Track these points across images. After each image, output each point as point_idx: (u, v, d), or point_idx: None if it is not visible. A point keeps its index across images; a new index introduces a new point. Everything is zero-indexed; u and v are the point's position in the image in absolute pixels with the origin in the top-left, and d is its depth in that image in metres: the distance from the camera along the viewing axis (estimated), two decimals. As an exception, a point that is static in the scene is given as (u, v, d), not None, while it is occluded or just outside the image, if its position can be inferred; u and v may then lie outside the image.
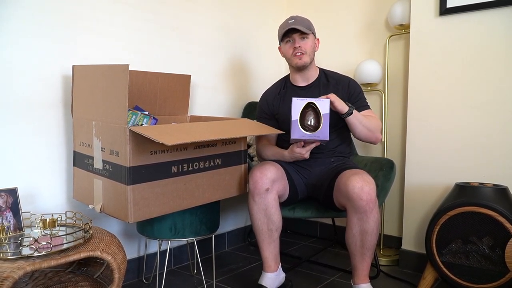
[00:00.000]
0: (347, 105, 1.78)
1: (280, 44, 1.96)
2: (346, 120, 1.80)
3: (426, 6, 2.10)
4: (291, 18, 1.91)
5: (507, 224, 1.65)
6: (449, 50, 2.05)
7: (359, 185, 1.62)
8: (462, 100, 2.03)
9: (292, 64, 1.95)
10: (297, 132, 1.70)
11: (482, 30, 1.96)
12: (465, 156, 2.03)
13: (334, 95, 1.77)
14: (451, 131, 2.06)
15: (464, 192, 1.79)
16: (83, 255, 1.31)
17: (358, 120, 1.80)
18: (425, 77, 2.13)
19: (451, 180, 2.00)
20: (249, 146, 2.37)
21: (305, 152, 1.78)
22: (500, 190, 1.75)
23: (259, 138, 2.04)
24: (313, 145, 1.78)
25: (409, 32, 2.21)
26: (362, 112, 1.89)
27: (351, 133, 1.92)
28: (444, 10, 2.03)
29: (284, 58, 1.99)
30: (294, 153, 1.81)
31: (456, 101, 2.05)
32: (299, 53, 1.89)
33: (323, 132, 1.69)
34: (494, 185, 1.80)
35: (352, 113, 1.78)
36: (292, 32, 1.88)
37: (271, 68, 2.79)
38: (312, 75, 1.98)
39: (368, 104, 1.97)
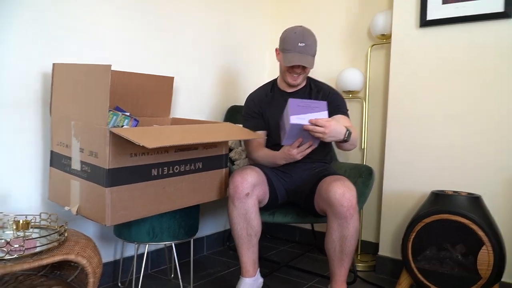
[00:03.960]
0: (347, 130, 1.72)
1: (279, 48, 1.92)
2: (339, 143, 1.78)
3: (407, 17, 2.15)
4: (302, 38, 1.83)
5: (480, 232, 1.69)
6: (428, 61, 2.10)
7: (341, 191, 1.64)
8: (439, 110, 2.08)
9: (285, 80, 1.96)
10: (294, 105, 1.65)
11: (460, 42, 2.01)
12: (442, 165, 2.07)
13: (334, 123, 1.68)
14: (429, 140, 2.11)
15: (439, 200, 1.83)
16: (57, 258, 1.28)
17: (350, 143, 1.78)
18: (405, 86, 2.17)
19: (428, 188, 2.04)
20: (231, 150, 2.36)
21: (297, 153, 1.75)
22: (474, 199, 1.79)
23: (249, 142, 2.01)
24: (308, 149, 1.74)
25: (390, 42, 2.25)
26: (339, 117, 1.90)
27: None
28: (424, 22, 2.07)
29: (278, 61, 1.97)
30: (286, 153, 1.78)
31: (434, 110, 2.09)
32: (296, 75, 1.91)
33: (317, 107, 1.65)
34: (468, 193, 1.84)
35: (348, 140, 1.72)
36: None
37: (255, 72, 2.80)
38: (300, 84, 2.00)
39: (348, 113, 1.99)
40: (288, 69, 1.91)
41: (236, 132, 1.83)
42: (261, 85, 2.13)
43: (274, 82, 2.08)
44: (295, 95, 1.98)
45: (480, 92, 1.97)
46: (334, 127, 1.65)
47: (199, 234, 2.47)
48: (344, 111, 1.97)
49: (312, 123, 1.62)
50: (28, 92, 1.69)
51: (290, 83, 1.94)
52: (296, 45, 1.83)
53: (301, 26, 1.91)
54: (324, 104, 1.67)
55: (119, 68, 1.92)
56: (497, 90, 1.93)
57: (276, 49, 1.97)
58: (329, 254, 1.74)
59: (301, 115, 1.62)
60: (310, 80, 2.05)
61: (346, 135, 1.70)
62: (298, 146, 1.74)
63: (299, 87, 2.01)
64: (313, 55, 1.88)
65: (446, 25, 2.03)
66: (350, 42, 2.61)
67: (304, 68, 1.91)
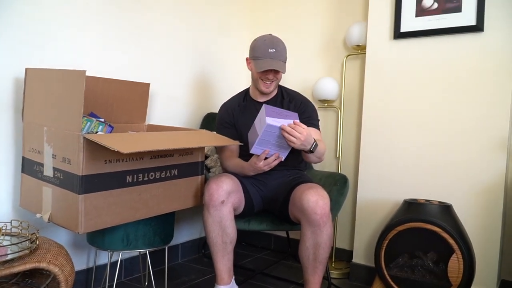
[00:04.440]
0: (313, 141, 1.72)
1: (250, 57, 1.94)
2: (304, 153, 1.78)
3: (381, 29, 2.20)
4: (271, 44, 1.86)
5: (451, 240, 1.74)
6: (402, 72, 2.16)
7: (314, 199, 1.66)
8: (411, 119, 2.13)
9: (258, 88, 1.97)
10: (269, 110, 1.67)
11: (433, 54, 2.07)
12: (414, 174, 2.12)
13: (306, 132, 1.66)
14: (401, 149, 2.16)
15: (411, 209, 1.87)
16: (28, 266, 1.25)
17: (316, 156, 1.80)
18: (379, 96, 2.22)
19: (400, 196, 2.09)
20: (206, 157, 2.36)
21: (264, 165, 1.74)
22: (445, 208, 1.84)
23: (222, 150, 2.01)
24: (275, 161, 1.73)
25: (365, 53, 2.30)
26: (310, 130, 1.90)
27: None
28: (398, 34, 2.13)
29: (249, 71, 2.00)
30: (252, 165, 1.78)
31: (408, 121, 2.14)
32: (269, 82, 1.92)
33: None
34: (439, 202, 1.89)
35: (314, 151, 1.72)
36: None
37: (231, 79, 2.81)
38: (272, 93, 2.02)
39: (319, 125, 2.01)
40: (260, 76, 1.92)
41: (212, 139, 1.84)
42: (235, 93, 2.14)
43: (246, 92, 2.09)
44: (267, 104, 2.00)
45: (452, 103, 2.03)
46: (308, 135, 1.67)
47: (174, 242, 2.45)
48: (315, 123, 1.98)
49: (291, 127, 1.62)
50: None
51: (263, 91, 1.95)
52: (266, 51, 1.86)
53: (270, 34, 1.94)
54: (295, 115, 1.70)
55: (94, 74, 1.90)
56: (469, 101, 1.99)
57: (246, 59, 1.99)
58: (303, 261, 1.76)
59: (276, 119, 1.63)
60: (282, 88, 2.07)
61: (312, 147, 1.70)
62: (265, 158, 1.72)
63: (271, 96, 2.03)
64: (284, 61, 1.91)
65: (419, 37, 2.09)
66: (326, 52, 2.65)
67: (276, 74, 1.92)
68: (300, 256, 1.76)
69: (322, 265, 1.74)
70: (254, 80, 1.99)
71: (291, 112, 1.71)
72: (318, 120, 2.03)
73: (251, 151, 1.70)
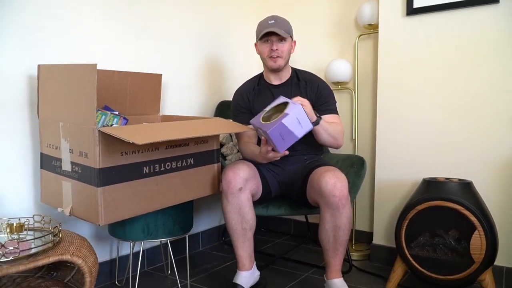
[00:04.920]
0: (316, 115, 1.75)
1: (257, 41, 1.96)
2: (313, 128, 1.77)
3: (393, 6, 2.15)
4: (272, 18, 1.90)
5: (472, 217, 1.71)
6: (416, 49, 2.11)
7: (332, 181, 1.65)
8: (428, 98, 2.09)
9: (267, 66, 1.96)
10: (256, 118, 1.67)
11: (447, 29, 2.02)
12: (432, 153, 2.09)
13: (307, 102, 1.71)
14: (419, 128, 2.12)
15: (431, 187, 1.84)
16: (52, 259, 1.28)
17: (323, 129, 1.80)
18: (394, 75, 2.18)
19: (419, 176, 2.06)
20: (222, 145, 2.36)
21: (269, 153, 1.71)
22: (465, 185, 1.81)
23: (239, 137, 2.01)
24: (279, 154, 1.69)
25: (377, 32, 2.26)
26: (327, 117, 1.88)
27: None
28: (411, 10, 2.08)
29: (259, 55, 1.99)
30: (261, 152, 1.76)
31: (423, 99, 2.10)
32: (275, 56, 1.90)
33: (269, 126, 1.57)
34: (459, 180, 1.86)
35: (319, 123, 1.75)
36: (271, 34, 1.88)
37: (243, 67, 2.79)
38: (285, 75, 2.00)
39: (336, 108, 1.99)
40: (266, 52, 1.91)
41: (226, 126, 1.83)
42: (248, 79, 2.13)
43: (260, 76, 2.08)
44: (282, 87, 1.99)
45: (468, 79, 1.98)
46: (307, 104, 1.70)
47: (194, 230, 2.47)
48: (332, 108, 1.96)
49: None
50: (14, 95, 1.68)
51: (272, 67, 1.93)
52: (266, 23, 1.89)
53: (272, 14, 1.95)
54: (298, 105, 1.61)
55: (106, 67, 1.91)
56: (485, 75, 1.94)
57: (255, 44, 1.99)
58: (323, 244, 1.76)
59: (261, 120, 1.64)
60: (296, 71, 2.04)
61: (317, 119, 1.72)
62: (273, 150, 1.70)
63: (285, 78, 2.00)
64: (287, 31, 1.89)
65: (433, 12, 2.04)
66: (337, 33, 2.61)
67: (279, 44, 1.89)
68: (320, 239, 1.76)
69: (342, 247, 1.74)
70: (263, 61, 1.98)
71: (296, 103, 1.63)
72: (335, 102, 2.00)
73: (281, 151, 1.66)
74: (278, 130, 1.57)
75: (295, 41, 1.98)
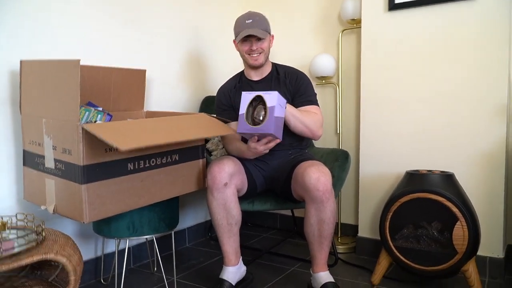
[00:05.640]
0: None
1: (235, 39, 1.97)
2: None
3: (375, 1, 2.17)
4: (249, 16, 1.90)
5: (454, 209, 1.74)
6: (398, 44, 2.13)
7: (316, 176, 1.66)
8: (410, 92, 2.12)
9: (248, 63, 1.97)
10: (242, 125, 1.66)
11: (428, 24, 2.05)
12: (415, 145, 2.12)
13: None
14: (401, 122, 2.15)
15: (414, 180, 1.87)
16: (36, 258, 1.26)
17: (291, 114, 1.79)
18: (376, 70, 2.20)
19: (403, 169, 2.09)
20: (207, 140, 2.36)
21: (260, 147, 1.72)
22: (447, 177, 1.84)
23: (223, 136, 2.00)
24: (271, 143, 1.71)
25: (360, 27, 2.28)
26: (305, 108, 1.90)
27: None
28: (393, 6, 2.10)
29: (238, 52, 1.99)
30: (250, 149, 1.77)
31: (405, 93, 2.13)
32: (256, 54, 1.91)
33: (267, 125, 1.61)
34: (441, 172, 1.89)
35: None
36: (250, 36, 1.88)
37: (228, 62, 2.78)
38: (265, 70, 2.01)
39: (316, 100, 1.99)
40: (246, 51, 1.93)
41: (211, 127, 1.81)
42: (232, 75, 2.13)
43: (241, 73, 2.09)
44: (262, 82, 2.00)
45: (450, 73, 2.02)
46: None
47: (180, 226, 2.47)
48: (312, 99, 1.96)
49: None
50: (-5, 91, 1.65)
51: (253, 64, 1.94)
52: (244, 23, 1.89)
53: (249, 11, 1.96)
54: (274, 93, 1.64)
55: (90, 63, 1.89)
56: (467, 69, 1.98)
57: (233, 41, 1.99)
58: (309, 238, 1.77)
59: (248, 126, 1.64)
60: (275, 65, 2.05)
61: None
62: (258, 141, 1.71)
63: (265, 73, 2.01)
64: (264, 30, 1.90)
65: (414, 7, 2.07)
66: (321, 28, 2.62)
67: (260, 44, 1.91)
68: (305, 233, 1.78)
69: (327, 241, 1.75)
70: (243, 58, 1.99)
71: (270, 92, 1.65)
72: (315, 94, 2.00)
73: (238, 133, 1.70)
74: (275, 124, 1.63)
75: (273, 35, 1.99)
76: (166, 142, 1.51)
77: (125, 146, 1.33)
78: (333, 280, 1.76)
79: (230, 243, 1.83)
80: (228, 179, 1.74)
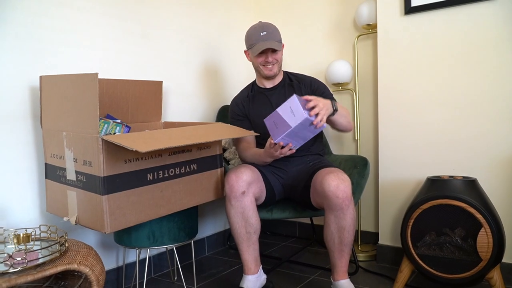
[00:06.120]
0: (332, 106, 1.73)
1: (247, 49, 1.98)
2: (330, 118, 1.78)
3: (391, 5, 2.16)
4: (262, 28, 1.90)
5: (478, 215, 1.71)
6: (415, 48, 2.11)
7: (335, 183, 1.65)
8: (430, 97, 2.09)
9: (262, 74, 1.99)
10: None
11: (446, 27, 2.02)
12: (435, 151, 2.08)
13: (315, 97, 1.68)
14: (421, 127, 2.12)
15: (435, 186, 1.84)
16: (59, 268, 1.29)
17: (340, 115, 1.80)
18: (394, 75, 2.18)
19: (423, 175, 2.06)
20: (224, 150, 2.37)
21: (279, 153, 1.72)
22: (469, 182, 1.80)
23: (239, 142, 2.03)
24: (288, 152, 1.70)
25: (376, 32, 2.26)
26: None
27: (322, 131, 1.94)
28: (409, 9, 2.08)
29: (250, 62, 2.01)
30: (267, 153, 1.76)
31: (425, 97, 2.10)
32: (270, 65, 1.94)
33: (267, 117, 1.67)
34: (463, 177, 1.86)
35: (337, 110, 1.76)
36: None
37: (242, 71, 2.80)
38: (278, 78, 2.04)
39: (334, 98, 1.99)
40: (260, 62, 1.95)
41: (228, 131, 1.84)
42: (245, 86, 2.16)
43: (253, 83, 2.11)
44: (275, 89, 2.01)
45: (468, 76, 1.98)
46: (319, 99, 1.67)
47: (199, 236, 2.48)
48: (333, 98, 1.95)
49: (307, 99, 1.64)
50: (17, 106, 1.69)
51: (267, 75, 1.96)
52: (258, 35, 1.89)
53: (259, 22, 1.97)
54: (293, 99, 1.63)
55: (107, 76, 1.93)
56: (485, 72, 1.94)
57: (245, 51, 2.01)
58: (329, 246, 1.76)
59: (306, 110, 1.60)
60: (287, 74, 2.07)
61: (334, 106, 1.73)
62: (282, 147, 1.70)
63: (277, 81, 2.03)
64: (278, 41, 1.91)
65: (431, 10, 2.04)
66: (336, 34, 2.62)
67: (274, 56, 1.93)
68: (325, 240, 1.76)
69: (348, 248, 1.74)
70: (256, 69, 2.01)
71: (288, 102, 1.64)
72: (332, 94, 2.02)
73: (276, 141, 1.65)
74: (272, 119, 1.65)
75: (283, 44, 2.00)
76: (185, 143, 1.52)
77: (144, 148, 1.34)
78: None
79: (250, 251, 1.82)
80: (246, 187, 1.74)
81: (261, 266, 1.88)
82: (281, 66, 1.99)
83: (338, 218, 1.68)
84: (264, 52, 1.91)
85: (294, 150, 1.71)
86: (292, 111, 1.61)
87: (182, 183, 1.71)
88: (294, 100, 1.61)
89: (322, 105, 1.63)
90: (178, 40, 2.38)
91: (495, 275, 1.72)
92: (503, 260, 1.79)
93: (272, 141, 1.68)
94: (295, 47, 2.72)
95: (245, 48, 2.01)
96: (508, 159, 1.91)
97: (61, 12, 1.83)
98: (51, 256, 1.32)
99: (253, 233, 1.80)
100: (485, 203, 1.74)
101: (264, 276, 1.90)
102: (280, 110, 1.64)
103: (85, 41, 1.92)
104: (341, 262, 1.76)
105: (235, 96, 2.12)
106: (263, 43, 1.88)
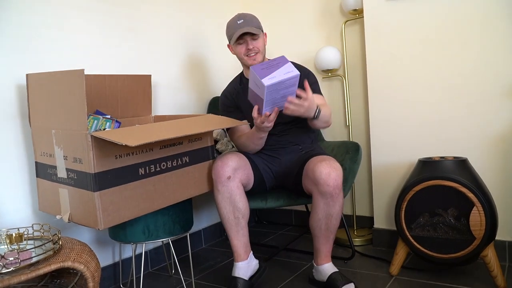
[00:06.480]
0: (315, 110, 1.72)
1: (230, 43, 1.96)
2: (308, 121, 1.80)
3: (377, -11, 2.15)
4: (239, 17, 1.91)
5: (469, 194, 1.72)
6: (403, 31, 2.11)
7: (326, 171, 1.66)
8: (418, 78, 2.09)
9: (246, 64, 1.97)
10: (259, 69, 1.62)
11: (432, 9, 2.02)
12: (426, 133, 2.09)
13: (308, 100, 1.67)
14: (411, 110, 2.13)
15: (426, 167, 1.85)
16: (53, 267, 1.28)
17: (319, 121, 1.78)
18: (382, 59, 2.18)
19: (415, 157, 2.07)
20: (216, 141, 2.36)
21: (268, 123, 1.70)
22: (460, 162, 1.82)
23: (232, 132, 2.02)
24: (273, 114, 1.69)
25: (363, 17, 2.25)
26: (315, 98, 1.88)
27: None
28: (395, -8, 2.08)
29: (235, 55, 2.00)
30: (259, 126, 1.75)
31: (413, 80, 2.11)
32: (253, 54, 1.92)
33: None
34: (454, 157, 1.87)
35: (317, 118, 1.74)
36: (244, 34, 1.89)
37: (231, 62, 2.77)
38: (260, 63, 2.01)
39: (319, 87, 1.99)
40: (243, 52, 1.93)
41: (219, 122, 1.83)
42: (233, 77, 2.14)
43: (241, 75, 2.10)
44: None
45: (457, 56, 1.99)
46: (311, 101, 1.67)
47: (195, 228, 2.48)
48: (315, 88, 1.94)
49: (293, 101, 1.64)
50: (4, 105, 1.67)
51: (251, 65, 1.93)
52: (236, 24, 1.90)
53: (237, 13, 1.97)
54: (282, 57, 1.64)
55: (94, 72, 1.91)
56: (474, 52, 1.94)
57: (228, 45, 2.00)
58: (315, 232, 1.78)
59: (271, 75, 1.58)
60: None
61: (316, 113, 1.71)
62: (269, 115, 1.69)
63: None
64: (257, 27, 1.90)
65: (417, -7, 2.04)
66: (323, 21, 2.60)
67: (254, 41, 1.90)
68: (311, 226, 1.78)
69: (333, 234, 1.79)
70: (241, 60, 2.00)
71: (276, 58, 1.64)
72: (317, 82, 1.99)
73: (262, 113, 1.67)
74: (251, 96, 1.70)
75: (265, 33, 1.99)
76: (175, 136, 1.51)
77: (134, 143, 1.34)
78: (337, 270, 1.79)
79: (239, 237, 1.82)
80: (231, 172, 1.75)
81: (251, 252, 1.88)
82: (264, 56, 1.98)
83: (328, 206, 1.70)
84: (244, 40, 1.90)
85: (289, 112, 1.68)
86: (256, 85, 1.61)
87: (175, 176, 1.70)
88: (253, 73, 1.60)
89: (303, 110, 1.66)
90: (165, 33, 2.35)
91: (490, 253, 1.74)
92: (497, 238, 1.81)
93: (256, 114, 1.69)
94: (283, 35, 2.71)
95: (228, 43, 1.99)
96: (498, 138, 1.92)
97: (46, 8, 1.80)
98: (44, 254, 1.31)
99: (241, 218, 1.80)
100: (477, 182, 1.76)
101: (255, 261, 1.90)
102: (251, 85, 1.66)
103: (71, 38, 1.89)
104: (326, 248, 1.79)
105: (224, 89, 2.12)
106: (240, 30, 1.87)
